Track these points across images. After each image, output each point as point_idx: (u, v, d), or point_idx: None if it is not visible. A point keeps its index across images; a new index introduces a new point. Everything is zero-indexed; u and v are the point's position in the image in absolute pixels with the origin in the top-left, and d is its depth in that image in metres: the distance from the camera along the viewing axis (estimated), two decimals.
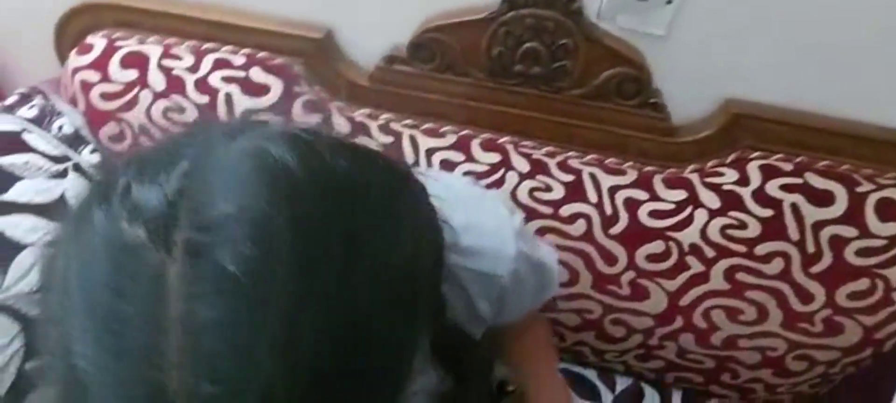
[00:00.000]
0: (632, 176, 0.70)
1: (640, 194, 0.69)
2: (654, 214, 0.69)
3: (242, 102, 0.72)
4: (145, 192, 0.26)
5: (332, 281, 0.27)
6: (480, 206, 0.53)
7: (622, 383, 0.83)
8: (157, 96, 0.73)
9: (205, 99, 0.72)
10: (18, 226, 0.67)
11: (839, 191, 0.64)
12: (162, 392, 0.24)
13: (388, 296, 0.29)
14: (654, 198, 0.69)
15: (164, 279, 0.25)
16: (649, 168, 0.70)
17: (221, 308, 0.24)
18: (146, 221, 0.26)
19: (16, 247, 0.67)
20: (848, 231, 0.65)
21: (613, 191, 0.69)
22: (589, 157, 0.71)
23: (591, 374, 0.84)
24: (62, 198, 0.72)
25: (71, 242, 0.28)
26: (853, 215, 0.65)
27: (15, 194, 0.68)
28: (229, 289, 0.24)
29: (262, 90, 0.71)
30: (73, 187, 0.74)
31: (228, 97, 0.72)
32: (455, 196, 0.42)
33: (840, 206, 0.65)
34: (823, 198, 0.65)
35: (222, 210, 0.25)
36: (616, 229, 0.70)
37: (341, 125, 0.72)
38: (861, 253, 0.66)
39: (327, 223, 0.27)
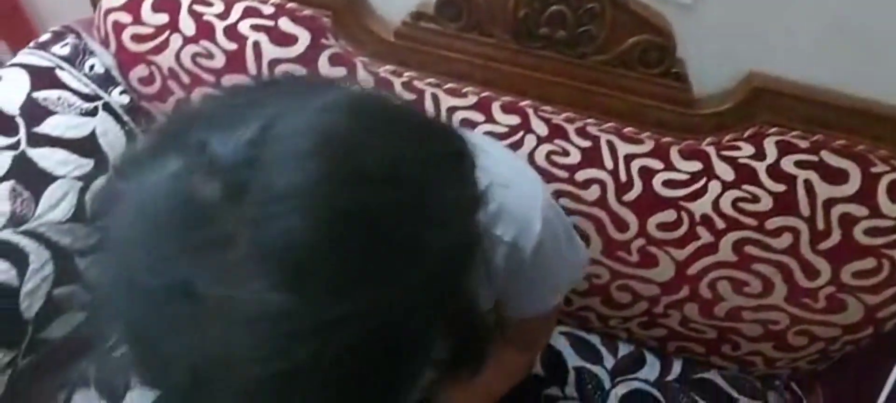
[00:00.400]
0: (648, 145, 0.71)
1: (656, 163, 0.70)
2: (669, 184, 0.70)
3: (270, 51, 0.73)
4: (222, 149, 0.26)
5: (381, 269, 0.27)
6: (517, 179, 0.53)
7: (624, 349, 0.85)
8: (187, 41, 0.74)
9: (233, 46, 0.73)
10: (50, 158, 0.70)
11: (853, 171, 0.65)
12: (209, 356, 0.26)
13: (428, 284, 0.30)
14: (670, 167, 0.70)
15: (233, 243, 0.25)
16: (666, 138, 0.71)
17: (274, 285, 0.25)
18: (224, 179, 0.26)
19: (48, 178, 0.69)
20: (859, 210, 0.66)
21: (629, 159, 0.71)
22: (607, 125, 0.72)
23: (594, 339, 0.86)
24: (93, 135, 0.74)
25: (131, 190, 0.28)
26: (865, 195, 0.65)
27: (48, 127, 0.71)
28: (287, 265, 0.25)
29: (290, 40, 0.73)
30: (102, 125, 0.76)
31: (256, 45, 0.73)
32: (496, 167, 0.41)
33: (853, 185, 0.65)
34: (837, 177, 0.66)
35: (288, 184, 0.26)
36: (629, 196, 0.71)
37: (365, 80, 0.74)
38: (870, 232, 0.67)
39: (385, 211, 0.28)
